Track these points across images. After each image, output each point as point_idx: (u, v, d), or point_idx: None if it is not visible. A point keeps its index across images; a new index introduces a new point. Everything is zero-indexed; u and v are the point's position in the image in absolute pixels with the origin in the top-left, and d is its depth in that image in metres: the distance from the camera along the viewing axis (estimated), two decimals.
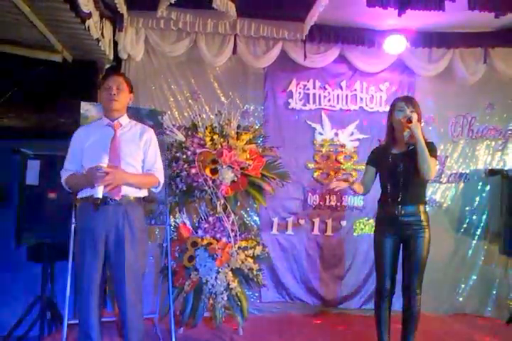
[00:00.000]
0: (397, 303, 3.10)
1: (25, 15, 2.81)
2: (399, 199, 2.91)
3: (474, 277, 4.30)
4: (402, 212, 2.90)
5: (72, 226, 3.06)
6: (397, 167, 2.93)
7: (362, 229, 4.22)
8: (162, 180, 2.75)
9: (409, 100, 3.02)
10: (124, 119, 2.71)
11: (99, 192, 2.39)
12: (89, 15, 2.98)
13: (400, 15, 3.42)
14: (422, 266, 2.92)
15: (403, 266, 2.98)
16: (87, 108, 3.21)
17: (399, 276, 3.01)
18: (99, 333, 2.53)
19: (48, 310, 3.34)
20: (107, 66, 3.87)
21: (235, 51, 4.02)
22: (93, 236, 2.48)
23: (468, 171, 4.40)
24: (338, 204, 4.22)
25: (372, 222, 4.13)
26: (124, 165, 2.55)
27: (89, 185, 2.45)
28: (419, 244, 2.90)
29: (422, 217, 2.92)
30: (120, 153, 2.55)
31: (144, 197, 2.71)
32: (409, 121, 2.79)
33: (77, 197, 2.62)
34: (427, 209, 3.04)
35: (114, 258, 2.51)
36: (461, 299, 4.28)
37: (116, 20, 3.63)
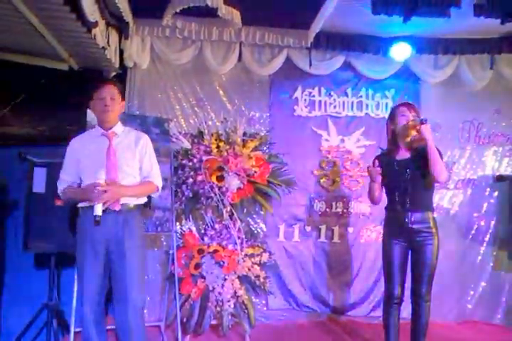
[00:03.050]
0: (406, 311, 3.08)
1: (32, 24, 2.82)
2: (407, 206, 2.89)
3: (483, 284, 4.25)
4: (412, 219, 2.87)
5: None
6: (405, 174, 2.90)
7: (369, 235, 4.20)
8: (160, 185, 2.71)
9: (410, 105, 3.01)
10: (118, 128, 2.67)
11: (98, 210, 2.39)
12: (95, 24, 3.00)
13: (405, 22, 3.43)
14: (431, 273, 2.89)
15: (412, 273, 2.96)
16: (93, 116, 3.18)
17: (407, 283, 2.99)
18: None
19: (55, 317, 3.34)
20: (113, 74, 3.88)
21: (240, 59, 4.04)
22: (94, 246, 2.49)
23: (475, 177, 4.37)
24: (345, 210, 4.20)
25: (379, 228, 4.11)
26: (122, 175, 2.54)
27: (87, 201, 2.47)
28: (428, 251, 2.87)
29: (431, 224, 2.90)
30: (117, 163, 2.54)
31: (144, 204, 2.70)
32: (423, 122, 2.77)
33: (78, 206, 2.60)
34: (435, 215, 3.01)
35: (117, 266, 2.51)
36: (470, 306, 4.23)
37: (121, 29, 3.65)
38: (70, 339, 2.99)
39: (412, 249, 2.94)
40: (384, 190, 3.05)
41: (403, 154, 2.97)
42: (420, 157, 2.86)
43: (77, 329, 3.03)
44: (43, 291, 3.38)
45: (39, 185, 3.29)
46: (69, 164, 2.62)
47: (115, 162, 2.53)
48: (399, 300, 2.97)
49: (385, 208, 3.08)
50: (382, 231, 3.16)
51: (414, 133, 2.86)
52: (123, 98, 2.73)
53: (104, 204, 2.42)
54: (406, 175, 2.90)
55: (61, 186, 2.63)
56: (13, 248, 3.54)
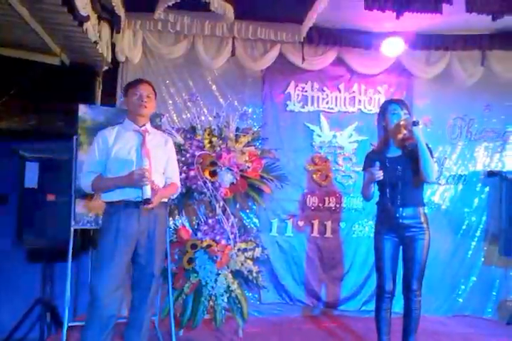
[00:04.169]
0: (397, 305, 3.10)
1: (23, 18, 2.80)
2: (398, 202, 2.90)
3: (474, 278, 4.29)
4: (403, 214, 2.89)
5: (72, 228, 3.08)
6: (396, 170, 2.90)
7: (361, 230, 4.22)
8: (179, 186, 2.91)
9: (401, 102, 3.02)
10: (149, 126, 2.78)
11: (148, 192, 2.49)
12: (87, 17, 2.97)
13: (397, 17, 3.43)
14: (422, 268, 2.92)
15: (403, 268, 2.98)
16: (84, 110, 3.20)
17: (399, 278, 3.01)
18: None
19: (48, 312, 3.34)
20: (105, 68, 3.86)
21: (232, 53, 4.03)
22: (126, 240, 2.55)
23: (466, 173, 4.40)
24: (337, 205, 4.21)
25: (371, 223, 4.13)
26: (153, 172, 2.60)
27: (131, 185, 2.52)
28: (419, 246, 2.89)
29: (422, 219, 2.92)
30: (150, 159, 2.60)
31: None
32: (415, 124, 2.78)
33: (105, 200, 2.66)
34: (426, 210, 3.03)
35: (144, 259, 2.62)
36: (460, 300, 4.27)
37: (113, 23, 3.60)
38: (63, 333, 2.98)
39: (403, 244, 2.96)
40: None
41: (394, 151, 2.98)
42: (411, 155, 2.87)
43: (71, 324, 3.04)
44: (36, 286, 3.39)
45: (31, 180, 3.28)
46: (99, 156, 2.65)
47: (149, 158, 2.60)
48: (390, 295, 2.99)
49: (377, 204, 3.09)
50: (374, 227, 3.18)
51: (405, 131, 2.87)
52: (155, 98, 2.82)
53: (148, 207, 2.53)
54: (397, 172, 2.90)
55: (89, 178, 2.62)
56: (6, 243, 3.53)
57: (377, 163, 2.88)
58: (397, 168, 2.91)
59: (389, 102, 3.06)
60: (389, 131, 2.97)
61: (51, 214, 3.27)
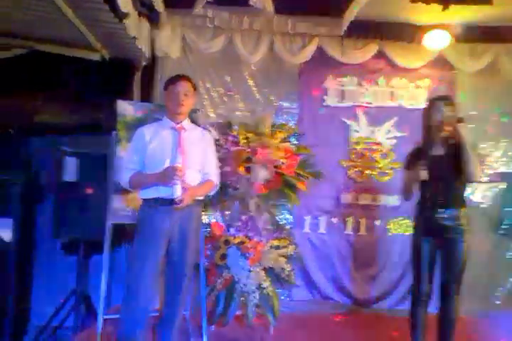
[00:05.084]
0: (432, 305, 3.03)
1: (67, 16, 2.87)
2: (439, 203, 2.81)
3: None
4: (445, 215, 2.81)
5: (109, 222, 3.14)
6: (438, 170, 2.82)
7: (396, 229, 4.15)
8: (218, 183, 2.87)
9: (447, 99, 2.91)
10: (186, 123, 2.77)
11: (178, 191, 2.52)
12: (127, 14, 3.01)
13: (444, 10, 3.31)
14: (461, 271, 2.82)
15: (442, 271, 2.89)
16: (124, 107, 3.23)
17: (436, 279, 2.93)
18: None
19: (82, 303, 3.44)
20: (144, 64, 3.90)
21: (270, 48, 3.99)
22: (160, 235, 2.59)
23: (510, 170, 4.24)
24: (373, 203, 4.15)
25: (407, 221, 4.05)
26: (188, 169, 2.61)
27: (162, 183, 2.54)
28: (459, 249, 2.80)
29: (463, 221, 2.82)
30: (185, 157, 2.62)
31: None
32: (460, 120, 2.69)
33: (142, 197, 2.70)
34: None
35: (177, 255, 2.65)
36: (498, 302, 4.16)
37: (153, 18, 3.65)
38: (98, 326, 3.06)
39: (442, 246, 2.86)
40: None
41: (437, 149, 2.88)
42: (455, 154, 2.78)
43: (105, 317, 3.13)
44: (72, 277, 3.49)
45: (70, 174, 3.36)
46: (137, 153, 2.69)
47: (184, 155, 2.62)
48: (427, 298, 2.90)
49: (417, 204, 3.00)
50: (411, 226, 3.09)
51: (449, 128, 2.78)
52: (195, 93, 2.82)
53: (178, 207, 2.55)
54: (439, 172, 2.81)
55: (127, 174, 2.67)
56: (44, 235, 3.65)
57: (422, 163, 2.80)
58: (440, 167, 2.82)
59: (434, 99, 2.95)
60: (433, 128, 2.88)
61: (88, 208, 3.34)
